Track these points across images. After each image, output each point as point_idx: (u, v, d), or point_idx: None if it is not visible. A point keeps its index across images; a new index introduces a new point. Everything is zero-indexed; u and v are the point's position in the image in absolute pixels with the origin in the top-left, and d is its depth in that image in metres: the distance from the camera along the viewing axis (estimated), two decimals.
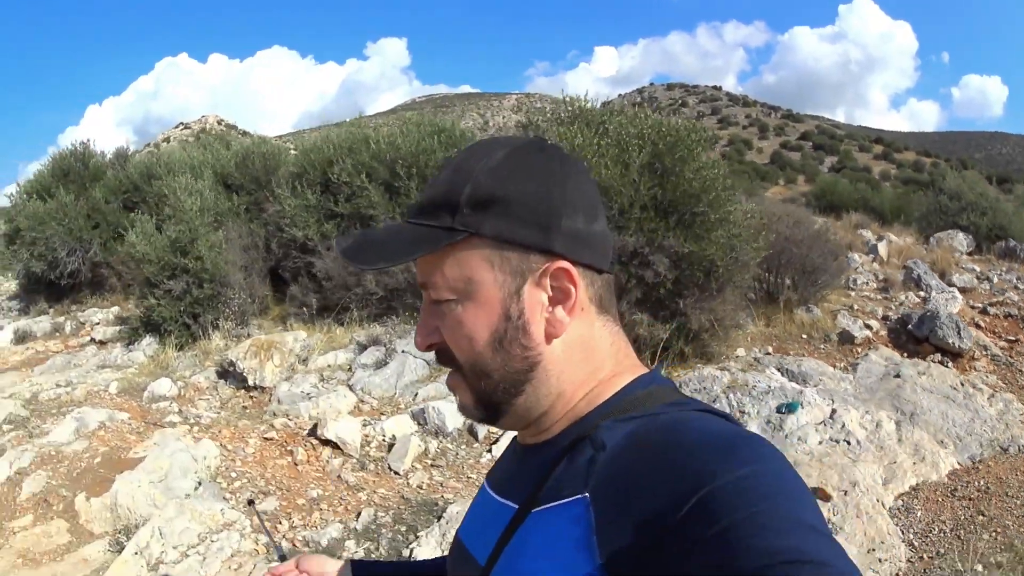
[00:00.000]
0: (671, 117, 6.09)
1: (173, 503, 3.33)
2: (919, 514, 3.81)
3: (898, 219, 12.61)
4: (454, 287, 0.58)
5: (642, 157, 4.98)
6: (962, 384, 5.32)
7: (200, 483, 3.62)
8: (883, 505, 3.76)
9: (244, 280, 6.57)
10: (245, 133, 20.65)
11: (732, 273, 5.17)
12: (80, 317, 7.94)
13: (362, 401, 4.72)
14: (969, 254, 9.46)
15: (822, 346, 6.11)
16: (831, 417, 4.47)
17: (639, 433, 0.53)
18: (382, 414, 4.53)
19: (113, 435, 4.07)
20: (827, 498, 3.65)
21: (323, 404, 4.51)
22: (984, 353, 6.00)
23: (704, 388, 4.79)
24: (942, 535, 3.63)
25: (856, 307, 6.79)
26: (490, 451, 4.05)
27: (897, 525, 3.66)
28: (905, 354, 5.97)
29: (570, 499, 0.53)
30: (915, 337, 6.14)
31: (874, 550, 3.40)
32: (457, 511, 3.12)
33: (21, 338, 7.48)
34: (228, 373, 5.26)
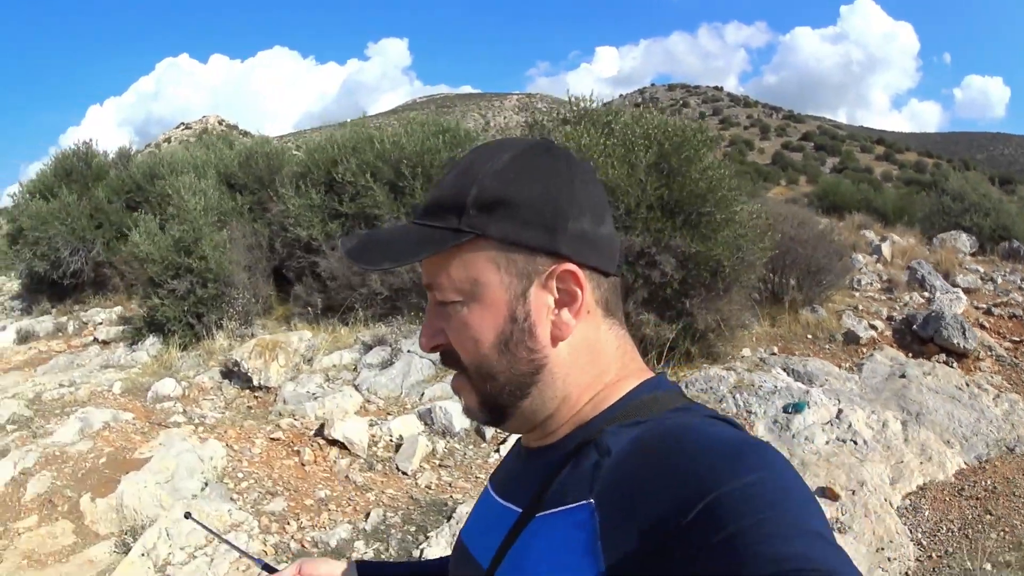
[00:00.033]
0: (674, 117, 6.09)
1: (180, 504, 3.32)
2: (927, 513, 3.81)
3: (901, 220, 12.59)
4: (460, 289, 0.57)
5: (648, 157, 4.98)
6: (967, 384, 5.32)
7: (207, 484, 3.61)
8: (891, 504, 3.76)
9: (248, 280, 6.56)
10: (246, 133, 20.65)
11: (738, 273, 5.16)
12: (83, 317, 7.93)
13: (368, 401, 4.71)
14: (972, 255, 9.45)
15: (827, 346, 6.11)
16: (837, 417, 4.46)
17: (644, 439, 0.53)
18: (388, 414, 4.52)
19: (118, 435, 4.06)
20: (835, 497, 3.65)
21: (329, 404, 4.50)
22: (989, 354, 6.00)
23: (711, 388, 4.78)
24: (950, 534, 3.63)
25: (861, 307, 6.78)
26: (498, 451, 4.05)
27: (905, 524, 3.66)
28: (910, 354, 5.97)
29: (575, 505, 0.52)
30: (920, 337, 6.13)
31: (883, 549, 3.40)
32: (467, 511, 3.11)
33: (24, 338, 7.47)
34: (232, 373, 5.25)
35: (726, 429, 0.53)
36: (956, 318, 6.02)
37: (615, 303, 0.62)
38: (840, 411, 4.51)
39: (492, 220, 0.56)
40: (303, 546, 3.10)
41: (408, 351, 5.20)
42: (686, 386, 4.75)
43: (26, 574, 2.96)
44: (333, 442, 4.06)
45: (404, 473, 3.83)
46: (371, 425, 4.27)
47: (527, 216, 0.56)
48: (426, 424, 4.32)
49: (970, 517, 3.77)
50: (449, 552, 0.73)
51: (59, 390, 5.09)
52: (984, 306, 7.03)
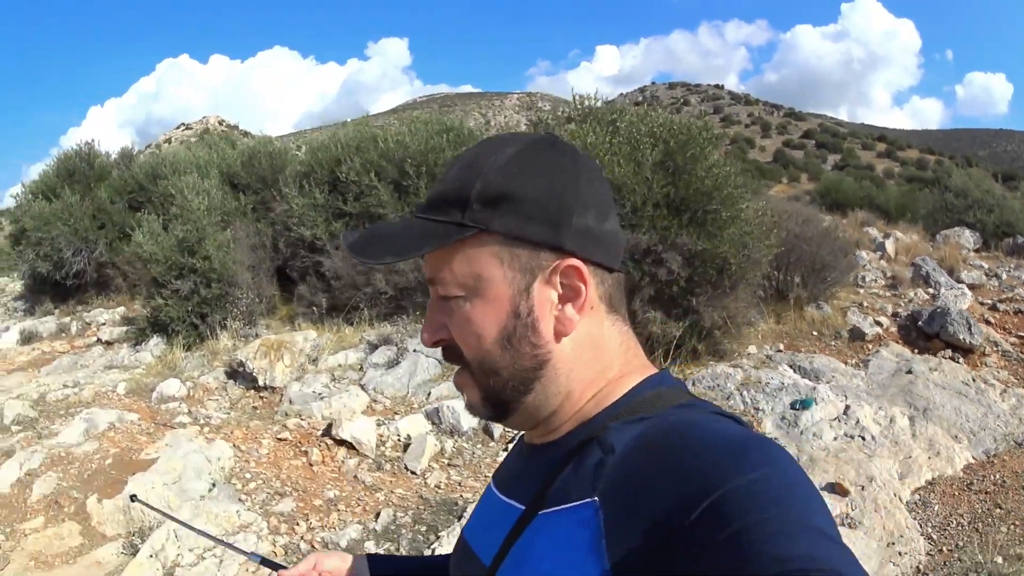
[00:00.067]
0: (678, 116, 6.08)
1: (188, 505, 3.31)
2: (936, 508, 3.80)
3: (903, 217, 12.59)
4: (463, 283, 0.57)
5: (654, 155, 4.97)
6: (974, 380, 5.31)
7: (214, 484, 3.59)
8: (900, 499, 3.75)
9: (252, 280, 6.55)
10: (247, 134, 20.63)
11: (745, 270, 5.15)
12: (86, 317, 7.92)
13: (375, 401, 4.70)
14: (976, 251, 9.45)
15: (833, 343, 6.10)
16: (845, 413, 4.45)
17: (648, 435, 0.52)
18: (396, 414, 4.51)
19: (123, 436, 4.04)
20: (845, 493, 3.64)
21: (336, 404, 4.49)
22: (995, 349, 5.99)
23: (718, 385, 4.77)
24: (960, 528, 3.61)
25: (866, 304, 6.77)
26: (506, 449, 4.03)
27: (915, 519, 3.65)
28: (916, 350, 5.96)
29: (579, 502, 0.52)
30: (925, 333, 6.12)
31: (893, 544, 3.39)
32: None
33: (27, 339, 7.46)
34: (237, 373, 5.24)
35: (730, 425, 0.52)
36: (962, 314, 6.01)
37: (619, 299, 0.62)
38: (847, 407, 4.50)
39: (496, 215, 0.56)
40: (313, 547, 3.09)
41: (414, 350, 5.19)
42: (693, 384, 4.74)
43: (34, 575, 2.95)
44: (341, 442, 4.05)
45: (413, 473, 3.81)
46: (379, 425, 4.26)
47: (531, 211, 0.56)
48: (434, 423, 4.31)
49: (980, 511, 3.76)
50: None
51: (63, 391, 5.08)
52: (989, 302, 7.02)
